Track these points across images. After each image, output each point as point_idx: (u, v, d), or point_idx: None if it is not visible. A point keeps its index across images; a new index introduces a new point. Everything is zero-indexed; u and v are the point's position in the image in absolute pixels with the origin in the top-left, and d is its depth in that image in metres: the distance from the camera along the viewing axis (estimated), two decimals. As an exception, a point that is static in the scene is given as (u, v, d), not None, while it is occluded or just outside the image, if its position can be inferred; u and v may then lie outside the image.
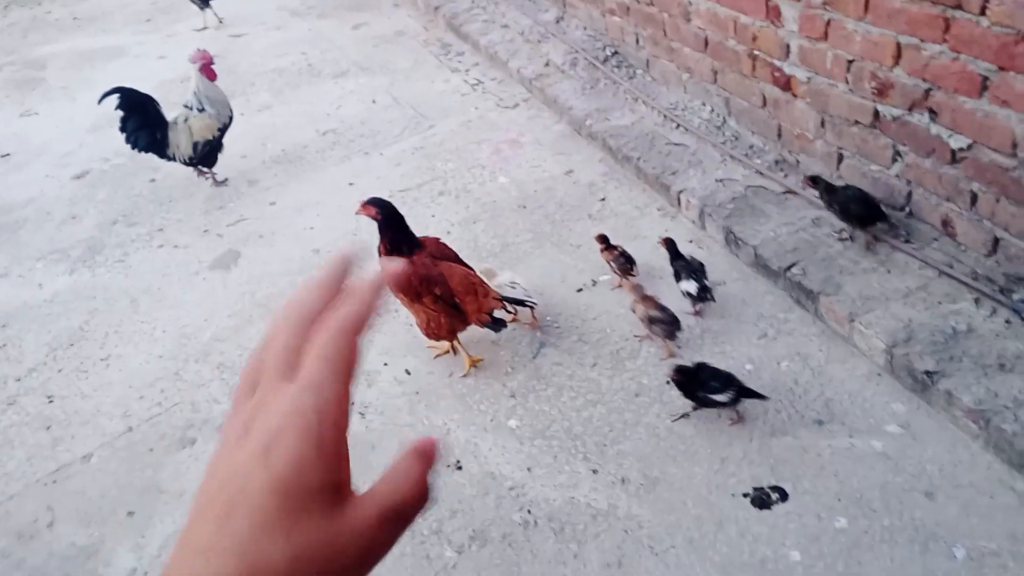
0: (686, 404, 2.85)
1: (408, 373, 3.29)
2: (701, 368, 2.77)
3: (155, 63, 7.09)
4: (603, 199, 4.08)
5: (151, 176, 5.20)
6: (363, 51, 6.41)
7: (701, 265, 3.31)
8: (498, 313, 3.10)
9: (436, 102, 5.38)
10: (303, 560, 0.40)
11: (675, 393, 2.96)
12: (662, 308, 3.06)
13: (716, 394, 2.70)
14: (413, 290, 2.99)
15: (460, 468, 2.84)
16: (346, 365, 0.48)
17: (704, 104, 4.22)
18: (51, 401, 3.49)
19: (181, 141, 4.73)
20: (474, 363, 3.26)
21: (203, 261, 4.25)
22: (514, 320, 3.38)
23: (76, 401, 3.46)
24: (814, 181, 3.33)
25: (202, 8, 7.58)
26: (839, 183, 3.35)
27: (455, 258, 3.17)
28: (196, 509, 0.43)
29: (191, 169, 4.89)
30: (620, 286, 3.47)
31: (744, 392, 2.71)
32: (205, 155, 4.82)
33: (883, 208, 3.16)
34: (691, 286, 3.21)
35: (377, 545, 0.44)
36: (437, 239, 3.21)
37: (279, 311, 0.50)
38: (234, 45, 7.08)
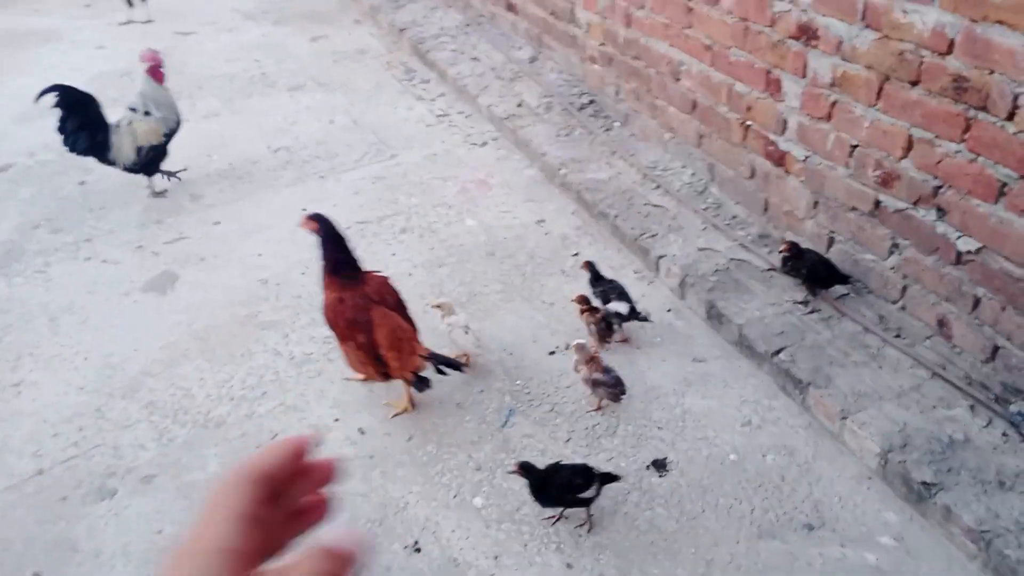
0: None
1: (362, 433, 3.00)
2: (558, 468, 2.58)
3: (92, 52, 6.61)
4: (576, 254, 3.89)
5: (82, 178, 4.76)
6: (322, 66, 6.10)
7: (623, 287, 3.33)
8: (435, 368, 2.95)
9: (399, 130, 5.12)
10: None
11: (654, 480, 2.78)
12: (607, 370, 2.95)
13: (582, 492, 2.53)
14: (339, 330, 2.90)
15: (419, 550, 2.56)
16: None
17: (685, 167, 4.10)
18: (-53, 432, 3.06)
19: (124, 144, 4.34)
20: (412, 402, 3.09)
21: (135, 281, 3.86)
22: (465, 361, 3.20)
23: (-23, 434, 3.04)
24: (791, 248, 3.28)
25: (130, 3, 7.12)
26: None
27: (396, 303, 2.97)
28: None
29: (134, 175, 4.48)
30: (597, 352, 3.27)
31: (605, 478, 2.60)
32: (149, 161, 4.43)
33: (840, 271, 3.23)
34: (622, 307, 3.23)
35: None
36: (385, 279, 3.01)
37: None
38: (181, 44, 6.66)
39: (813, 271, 3.25)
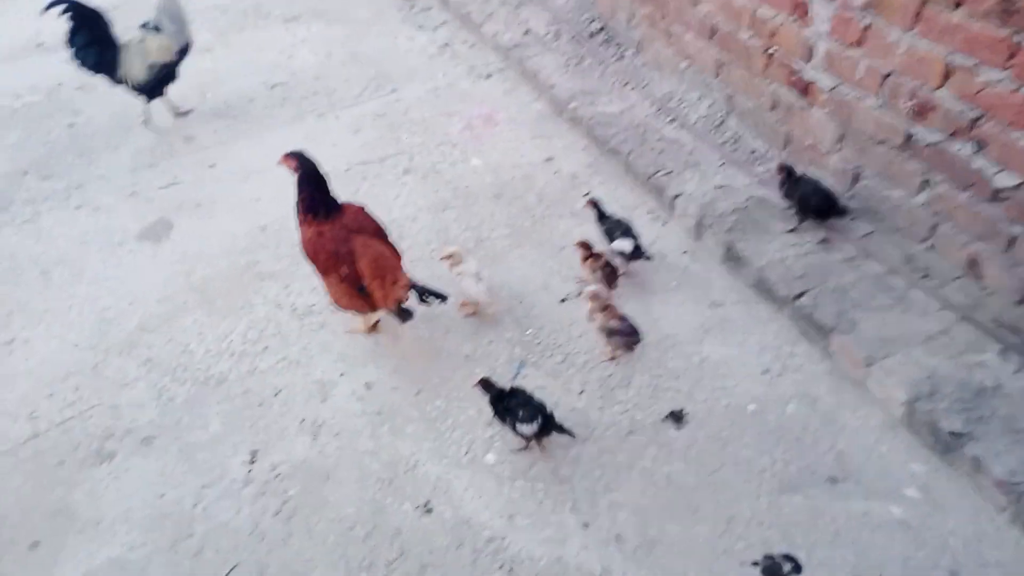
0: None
1: (368, 387, 2.89)
2: (513, 393, 2.58)
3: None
4: (587, 194, 3.70)
5: (70, 120, 4.58)
6: (318, -5, 5.82)
7: (629, 224, 3.20)
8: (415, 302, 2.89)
9: (400, 62, 4.88)
10: None
11: (672, 433, 2.67)
12: (622, 319, 2.84)
13: (523, 424, 2.52)
14: (320, 264, 2.80)
15: (430, 511, 2.48)
16: None
17: (702, 98, 3.88)
18: (-60, 392, 2.97)
19: (135, 63, 4.19)
20: (373, 327, 3.08)
21: (129, 230, 3.71)
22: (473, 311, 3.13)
23: (-29, 395, 2.95)
24: (783, 170, 3.19)
25: None
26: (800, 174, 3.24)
27: (375, 231, 2.85)
28: None
29: (143, 101, 4.38)
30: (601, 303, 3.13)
31: (552, 427, 2.55)
32: (158, 81, 4.29)
33: (839, 202, 3.10)
34: (626, 244, 3.14)
35: None
36: (360, 208, 2.89)
37: None
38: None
39: (804, 199, 3.13)
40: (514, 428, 2.55)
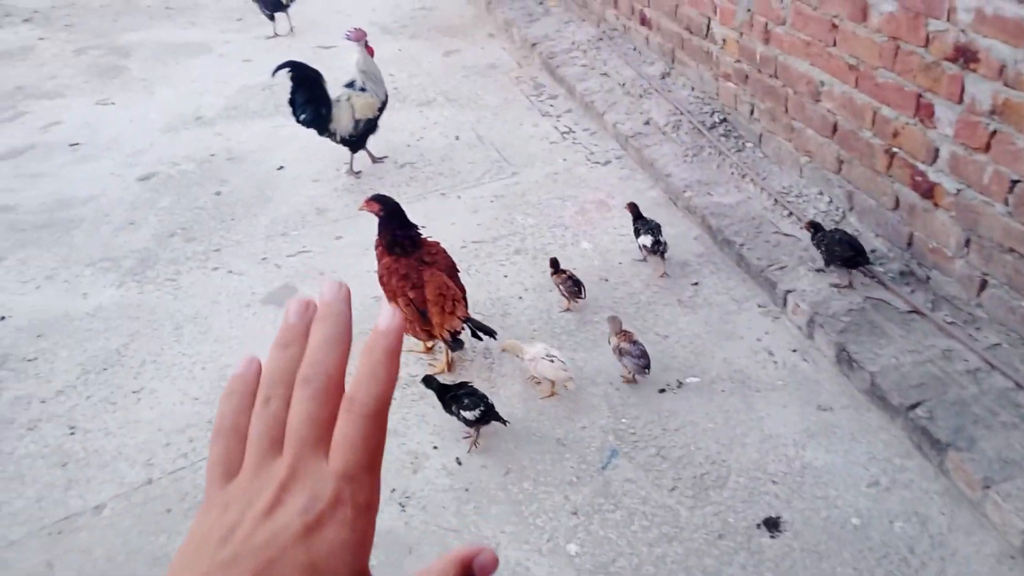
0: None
1: (459, 463, 2.92)
2: (460, 386, 2.95)
3: (239, 65, 6.92)
4: (696, 284, 3.68)
5: (217, 188, 4.97)
6: (452, 81, 6.13)
7: (658, 225, 3.71)
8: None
9: (522, 147, 5.05)
10: None
11: (764, 541, 2.54)
12: (635, 343, 3.10)
13: (467, 411, 2.86)
14: (390, 288, 3.17)
15: (507, 596, 2.46)
16: (378, 455, 0.45)
17: (822, 193, 3.80)
18: (72, 433, 3.22)
19: (343, 117, 4.67)
20: (449, 365, 3.34)
21: (256, 293, 3.96)
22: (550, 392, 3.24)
23: (99, 438, 3.18)
24: (812, 226, 3.45)
25: (271, 18, 7.42)
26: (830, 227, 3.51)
27: (447, 266, 3.22)
28: (212, 565, 0.41)
29: (348, 152, 4.89)
30: (568, 309, 3.60)
31: (492, 416, 2.90)
32: (361, 134, 4.78)
33: (864, 251, 3.30)
34: (647, 240, 3.65)
35: None
36: (437, 243, 3.30)
37: (285, 346, 0.48)
38: (320, 58, 6.86)
39: (830, 249, 3.33)
40: (459, 415, 2.88)
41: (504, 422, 2.94)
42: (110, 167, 5.36)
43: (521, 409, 3.10)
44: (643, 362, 3.06)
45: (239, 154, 5.36)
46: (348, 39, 4.85)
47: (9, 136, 6.00)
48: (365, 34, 4.85)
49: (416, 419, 3.11)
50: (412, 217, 4.27)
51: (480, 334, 3.14)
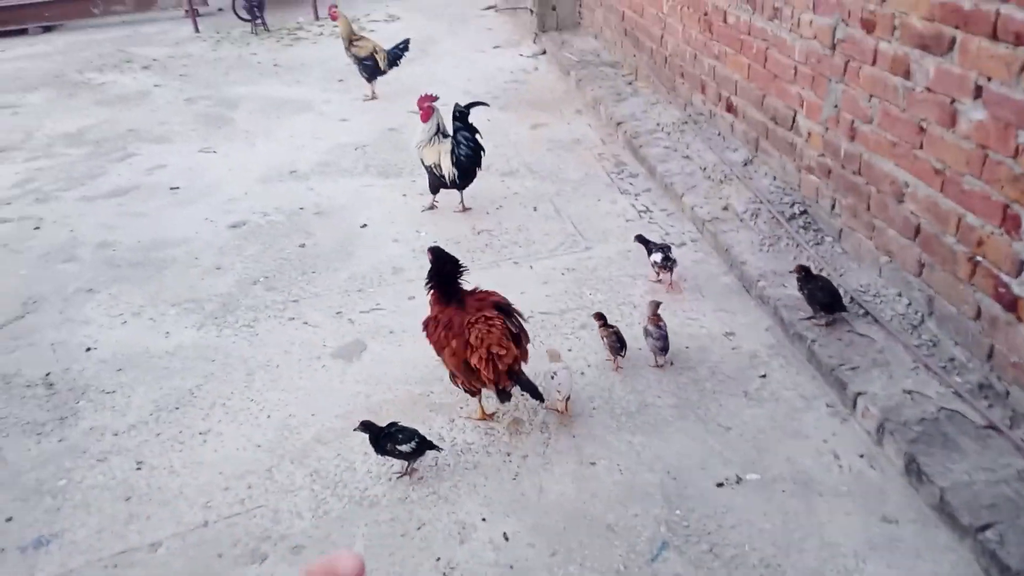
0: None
1: (506, 539, 2.90)
2: (391, 426, 3.13)
3: (336, 124, 7.24)
4: (764, 376, 3.61)
5: (303, 240, 5.16)
6: (536, 153, 6.27)
7: (668, 246, 4.29)
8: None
9: (598, 223, 5.10)
10: None
11: (816, 655, 2.43)
12: (659, 326, 3.62)
13: (402, 444, 3.06)
14: (435, 339, 3.26)
15: None
16: None
17: (901, 295, 3.71)
18: (139, 468, 3.33)
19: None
20: (485, 417, 3.44)
21: (328, 346, 4.07)
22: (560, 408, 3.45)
23: (163, 475, 3.29)
24: (801, 270, 3.76)
25: (370, 80, 7.75)
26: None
27: (499, 304, 3.25)
28: None
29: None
30: (617, 367, 3.75)
31: (426, 446, 3.11)
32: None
33: (841, 300, 3.67)
34: (658, 256, 4.18)
35: None
36: (492, 294, 3.35)
37: None
38: (412, 122, 7.10)
39: (811, 294, 3.68)
40: (395, 451, 3.06)
41: (439, 449, 3.19)
42: (205, 212, 5.64)
43: (574, 489, 3.08)
44: (661, 344, 3.60)
45: (327, 209, 5.57)
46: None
47: (117, 176, 6.39)
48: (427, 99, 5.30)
49: (468, 488, 3.12)
50: (484, 283, 4.38)
51: (525, 395, 3.24)
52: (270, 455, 3.36)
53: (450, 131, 5.30)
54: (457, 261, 3.39)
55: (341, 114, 7.49)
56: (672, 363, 3.74)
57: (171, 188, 6.07)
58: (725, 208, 4.75)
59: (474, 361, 3.10)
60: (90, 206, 5.90)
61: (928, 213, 3.44)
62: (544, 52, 8.83)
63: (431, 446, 3.15)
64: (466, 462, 3.25)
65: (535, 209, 5.37)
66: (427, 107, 5.30)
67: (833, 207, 4.23)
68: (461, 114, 5.28)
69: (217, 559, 2.89)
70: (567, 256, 4.76)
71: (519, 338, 3.24)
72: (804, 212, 4.48)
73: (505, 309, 3.28)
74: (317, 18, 11.29)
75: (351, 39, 7.58)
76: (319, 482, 3.21)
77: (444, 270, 3.36)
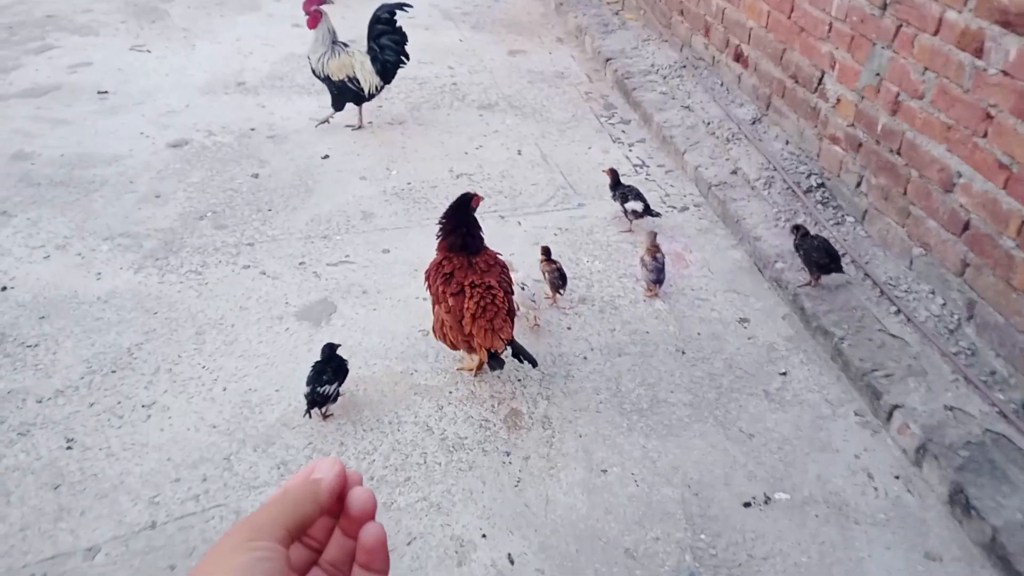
0: None
1: (511, 562, 2.52)
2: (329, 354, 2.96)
3: (289, 29, 6.46)
4: (784, 374, 3.29)
5: (256, 169, 4.53)
6: (516, 85, 5.69)
7: (639, 191, 4.00)
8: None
9: (591, 175, 4.63)
10: None
11: None
12: (655, 258, 3.54)
13: (326, 386, 2.87)
14: (434, 290, 2.99)
15: None
16: None
17: (935, 294, 3.41)
18: (69, 447, 2.80)
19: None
20: (480, 366, 3.17)
21: (291, 304, 3.54)
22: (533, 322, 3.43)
23: (99, 458, 2.77)
24: (797, 229, 3.59)
25: None
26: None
27: (502, 279, 2.98)
28: None
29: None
30: (554, 303, 3.62)
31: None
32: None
33: (840, 261, 3.48)
34: (637, 205, 3.93)
35: None
36: (496, 254, 3.07)
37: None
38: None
39: (808, 254, 3.50)
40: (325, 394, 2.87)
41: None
42: (140, 125, 4.91)
43: (585, 503, 2.71)
44: (655, 276, 3.53)
45: (281, 132, 4.93)
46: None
47: (34, 71, 5.55)
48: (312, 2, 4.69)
49: (463, 495, 2.71)
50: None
51: (522, 358, 2.96)
52: (228, 439, 2.87)
53: (340, 37, 4.85)
54: (471, 206, 3.05)
55: (294, 17, 6.66)
56: (684, 352, 3.37)
57: (99, 92, 5.28)
58: (734, 172, 4.35)
59: (469, 328, 2.87)
60: (3, 106, 5.07)
61: (983, 210, 3.11)
62: (518, -33, 8.10)
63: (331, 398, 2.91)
64: (459, 461, 2.84)
65: (519, 153, 4.85)
66: (314, 11, 4.71)
67: (859, 184, 3.87)
68: (388, 17, 4.80)
69: (169, 571, 2.42)
70: (558, 213, 4.29)
71: (513, 312, 3.01)
72: (822, 185, 4.12)
73: (508, 287, 3.02)
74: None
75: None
76: (288, 475, 2.74)
77: (465, 217, 3.01)
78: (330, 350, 2.97)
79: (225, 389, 3.09)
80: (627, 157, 4.84)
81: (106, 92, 5.29)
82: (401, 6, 4.80)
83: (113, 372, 3.14)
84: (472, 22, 6.76)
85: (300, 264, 3.79)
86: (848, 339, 3.26)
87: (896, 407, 2.97)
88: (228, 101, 5.27)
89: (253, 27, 6.43)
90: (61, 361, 3.17)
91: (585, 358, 3.33)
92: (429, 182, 4.50)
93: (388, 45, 4.78)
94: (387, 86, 4.89)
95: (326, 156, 4.70)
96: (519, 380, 3.19)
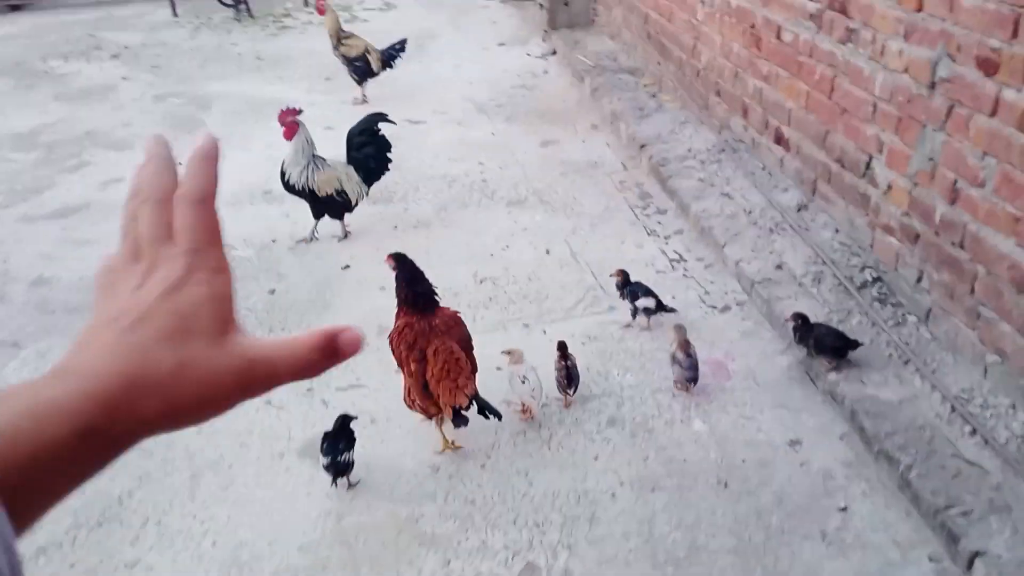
0: None
1: None
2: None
3: (320, 133, 6.35)
4: (844, 509, 2.86)
5: (273, 285, 4.37)
6: (547, 177, 5.46)
7: (648, 287, 3.79)
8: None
9: (624, 273, 4.31)
10: (186, 368, 0.52)
11: None
12: (689, 355, 3.30)
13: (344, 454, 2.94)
14: (397, 355, 3.09)
15: None
16: (215, 231, 0.57)
17: (1015, 408, 2.96)
18: (42, 621, 2.56)
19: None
20: (449, 447, 3.16)
21: (294, 438, 3.29)
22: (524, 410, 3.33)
23: (69, 637, 2.51)
24: (797, 318, 3.41)
25: (359, 83, 6.92)
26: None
27: (461, 338, 3.08)
28: (98, 323, 0.53)
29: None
30: (566, 405, 3.42)
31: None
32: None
33: (848, 338, 3.30)
34: (648, 302, 3.72)
35: (245, 382, 0.55)
36: (455, 314, 3.19)
37: (136, 191, 0.57)
38: (408, 132, 6.30)
39: (820, 342, 3.34)
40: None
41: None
42: (162, 242, 4.82)
43: None
44: (690, 374, 3.31)
45: (301, 244, 4.77)
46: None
47: (67, 190, 5.59)
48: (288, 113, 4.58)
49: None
50: (488, 351, 3.60)
51: (487, 413, 3.03)
52: (211, 608, 2.59)
53: (318, 150, 4.70)
54: (420, 270, 3.25)
55: (326, 120, 6.60)
56: (727, 484, 2.98)
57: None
58: (779, 267, 3.98)
59: (436, 391, 2.95)
60: (31, 229, 5.08)
61: (1068, 314, 2.68)
62: (554, 52, 8.00)
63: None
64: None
65: (548, 252, 4.58)
66: (290, 122, 4.59)
67: (919, 280, 3.46)
68: (371, 129, 4.76)
69: None
70: (588, 318, 3.98)
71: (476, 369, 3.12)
72: (878, 279, 3.71)
73: (468, 342, 3.16)
74: (307, 3, 10.41)
75: (339, 37, 6.73)
76: (272, 654, 2.44)
77: (411, 282, 3.18)
78: (343, 421, 3.02)
79: (215, 543, 2.82)
80: (663, 251, 4.52)
81: (133, 208, 5.25)
82: (383, 119, 4.80)
83: (100, 525, 2.91)
84: (506, 114, 6.61)
85: (308, 390, 3.55)
86: (917, 467, 2.82)
87: (977, 554, 2.51)
88: (252, 212, 5.17)
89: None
90: (49, 512, 2.96)
91: (614, 495, 2.96)
92: (451, 289, 4.23)
93: (371, 154, 4.76)
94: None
95: (346, 266, 4.52)
96: (537, 525, 2.85)
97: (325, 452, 2.94)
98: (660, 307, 3.73)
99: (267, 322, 4.04)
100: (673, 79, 6.15)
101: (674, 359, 3.37)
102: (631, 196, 5.16)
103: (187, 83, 7.69)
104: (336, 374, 3.63)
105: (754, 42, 4.76)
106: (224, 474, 3.12)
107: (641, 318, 3.81)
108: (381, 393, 3.52)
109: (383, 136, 4.81)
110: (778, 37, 4.47)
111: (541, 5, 8.45)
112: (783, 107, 4.51)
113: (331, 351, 0.56)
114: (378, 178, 4.81)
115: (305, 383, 3.54)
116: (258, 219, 5.06)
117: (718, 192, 4.75)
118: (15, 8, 10.81)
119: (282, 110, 4.58)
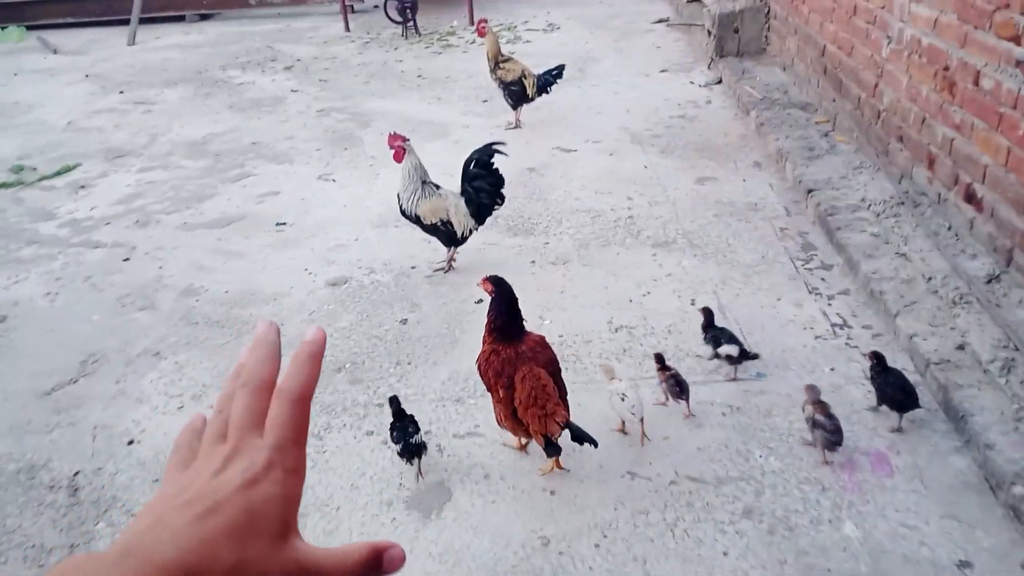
0: None
1: None
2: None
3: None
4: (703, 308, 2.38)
5: (406, 315, 4.29)
6: (700, 219, 5.12)
7: (732, 333, 3.59)
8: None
9: (776, 335, 3.92)
10: (243, 566, 0.52)
11: None
12: (830, 416, 3.05)
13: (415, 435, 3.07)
14: (485, 380, 3.06)
15: None
16: (303, 431, 0.59)
17: None
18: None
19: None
20: (553, 467, 3.13)
21: (404, 487, 3.16)
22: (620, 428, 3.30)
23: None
24: (876, 357, 3.27)
25: (515, 107, 6.80)
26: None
27: (548, 362, 3.01)
28: (171, 500, 0.54)
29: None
30: (664, 404, 3.42)
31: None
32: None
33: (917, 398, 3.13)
34: (732, 349, 3.48)
35: None
36: (541, 338, 3.11)
37: (238, 372, 0.60)
38: (557, 161, 6.14)
39: (882, 388, 3.24)
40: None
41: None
42: (307, 260, 4.90)
43: None
44: (834, 437, 3.04)
45: (437, 274, 4.69)
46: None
47: (227, 200, 5.80)
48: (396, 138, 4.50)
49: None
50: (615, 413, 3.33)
51: (582, 440, 2.95)
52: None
53: (430, 176, 4.61)
54: (516, 298, 3.12)
55: (477, 143, 6.58)
56: (877, 608, 2.56)
57: (277, 224, 5.37)
58: (961, 347, 3.47)
59: (524, 418, 2.91)
60: (188, 236, 5.29)
61: None
62: (720, 81, 7.61)
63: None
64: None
65: (692, 303, 4.24)
66: (398, 146, 4.48)
67: None
68: (485, 160, 4.61)
69: None
70: (731, 386, 3.62)
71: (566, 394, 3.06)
72: (1086, 376, 3.15)
73: (555, 365, 3.07)
74: (472, 23, 10.50)
75: (497, 60, 6.65)
76: None
77: (506, 309, 3.06)
78: (397, 404, 3.15)
79: (311, 594, 2.71)
80: (824, 313, 4.08)
81: (284, 224, 5.37)
82: (498, 151, 4.63)
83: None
84: (661, 145, 6.30)
85: (425, 433, 3.41)
86: (1125, 624, 2.31)
87: None
88: (396, 235, 5.15)
89: (436, 154, 6.38)
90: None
91: (741, 606, 2.62)
92: (583, 335, 4.01)
93: (483, 188, 4.57)
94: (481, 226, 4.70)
95: (479, 300, 4.37)
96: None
97: (395, 439, 3.07)
98: (744, 354, 3.52)
99: (395, 353, 3.95)
100: (849, 119, 5.63)
101: (814, 422, 3.09)
102: (792, 246, 4.72)
103: (350, 99, 7.89)
104: (456, 418, 3.50)
105: (947, 86, 4.23)
106: (330, 518, 3.02)
107: (724, 366, 3.63)
108: (497, 445, 3.33)
109: (498, 170, 4.65)
110: (976, 83, 3.93)
111: (709, 32, 8.07)
112: (977, 162, 3.96)
113: (375, 566, 0.57)
114: (489, 214, 4.65)
115: (424, 421, 3.43)
116: (400, 243, 5.03)
117: (893, 251, 4.24)
118: (204, 17, 11.57)
119: (390, 134, 4.53)
